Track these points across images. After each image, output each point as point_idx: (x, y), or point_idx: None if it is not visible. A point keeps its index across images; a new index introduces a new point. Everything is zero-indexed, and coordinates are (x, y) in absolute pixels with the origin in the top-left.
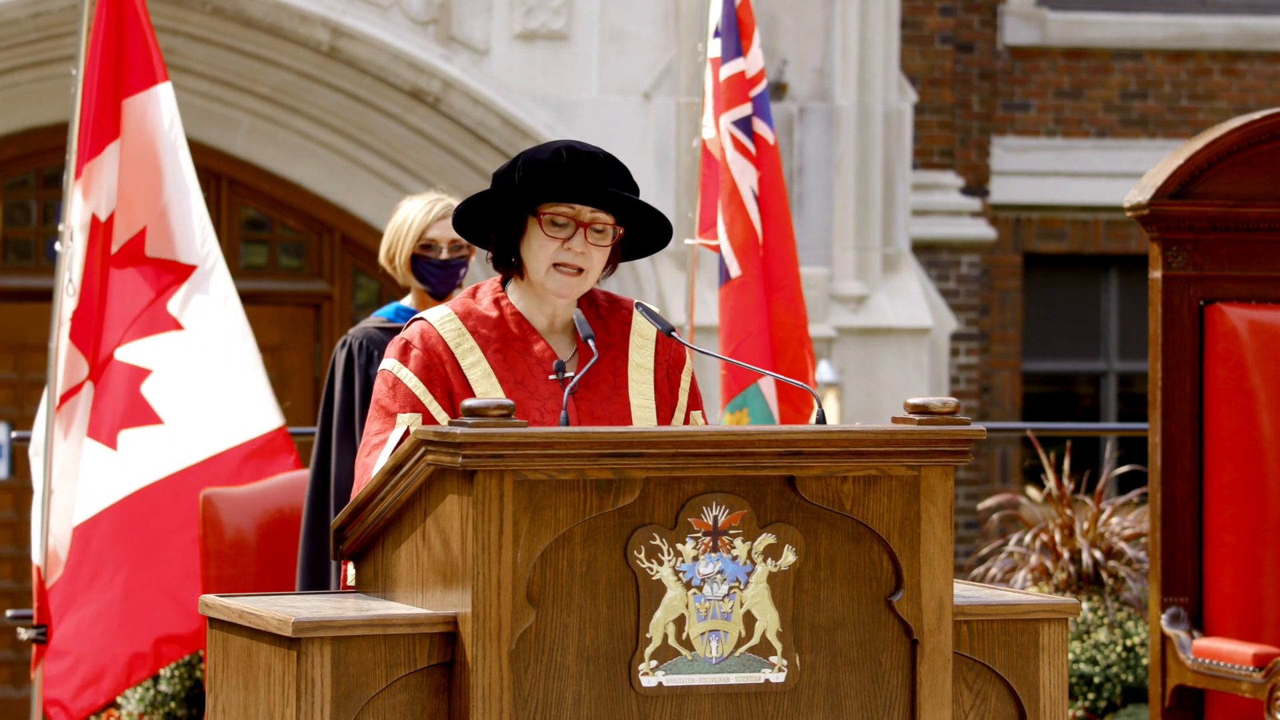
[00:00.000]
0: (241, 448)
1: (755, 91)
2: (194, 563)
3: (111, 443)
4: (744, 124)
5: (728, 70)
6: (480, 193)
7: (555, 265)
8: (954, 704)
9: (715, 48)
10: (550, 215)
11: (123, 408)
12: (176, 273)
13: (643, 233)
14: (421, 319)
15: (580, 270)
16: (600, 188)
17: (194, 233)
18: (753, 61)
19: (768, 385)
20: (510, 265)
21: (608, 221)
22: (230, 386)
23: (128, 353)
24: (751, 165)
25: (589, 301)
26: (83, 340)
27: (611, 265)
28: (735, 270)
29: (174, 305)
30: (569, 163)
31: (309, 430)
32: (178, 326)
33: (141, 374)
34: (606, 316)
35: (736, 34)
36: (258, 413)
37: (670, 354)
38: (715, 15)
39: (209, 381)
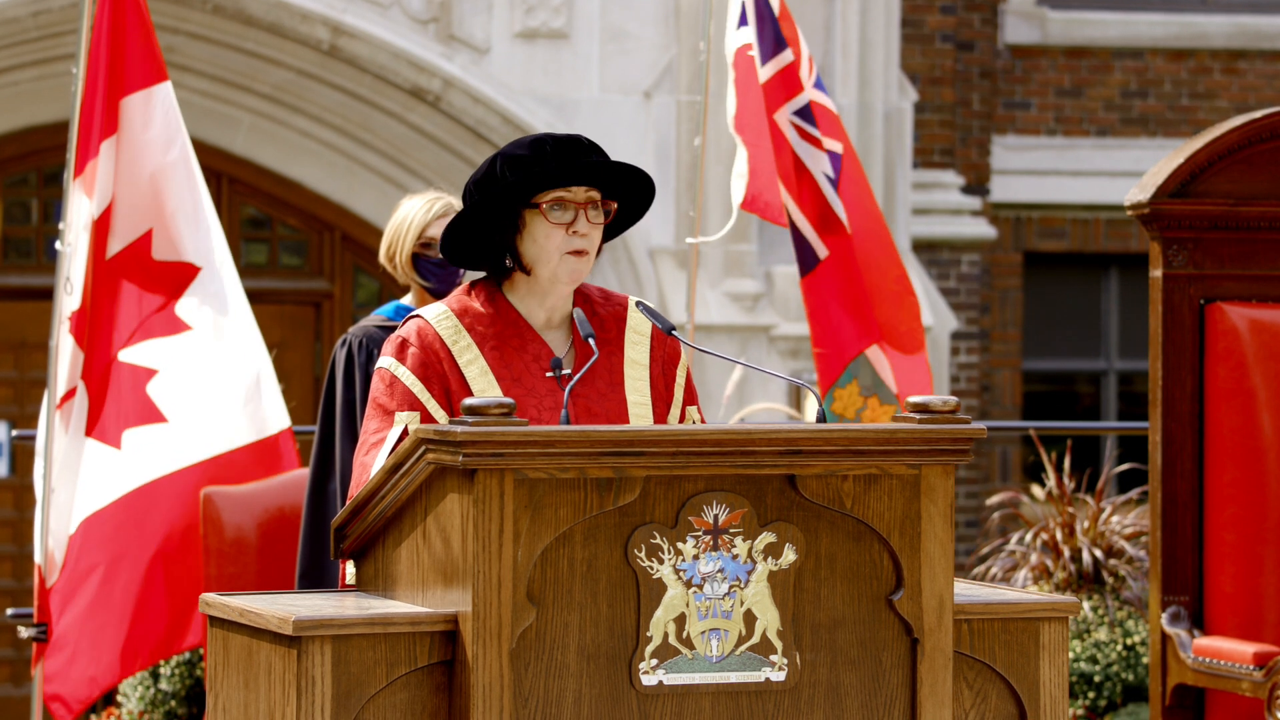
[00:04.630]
0: (247, 448)
1: (814, 79)
2: (193, 559)
3: (115, 442)
4: (804, 112)
5: (773, 67)
6: (473, 205)
7: (564, 253)
8: (954, 703)
9: (740, 37)
10: (550, 203)
11: (128, 408)
12: (184, 275)
13: (628, 202)
14: (418, 316)
15: (585, 252)
16: (598, 160)
17: (200, 233)
18: (804, 51)
19: (875, 354)
20: (504, 270)
21: (599, 197)
22: (237, 386)
23: (132, 354)
24: (820, 150)
25: (583, 298)
26: (84, 339)
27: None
28: (823, 252)
29: (182, 308)
30: (554, 150)
31: (309, 429)
32: (186, 328)
33: (147, 374)
34: (601, 313)
35: (775, 27)
36: (264, 413)
37: (665, 350)
38: (733, 12)
39: (216, 381)
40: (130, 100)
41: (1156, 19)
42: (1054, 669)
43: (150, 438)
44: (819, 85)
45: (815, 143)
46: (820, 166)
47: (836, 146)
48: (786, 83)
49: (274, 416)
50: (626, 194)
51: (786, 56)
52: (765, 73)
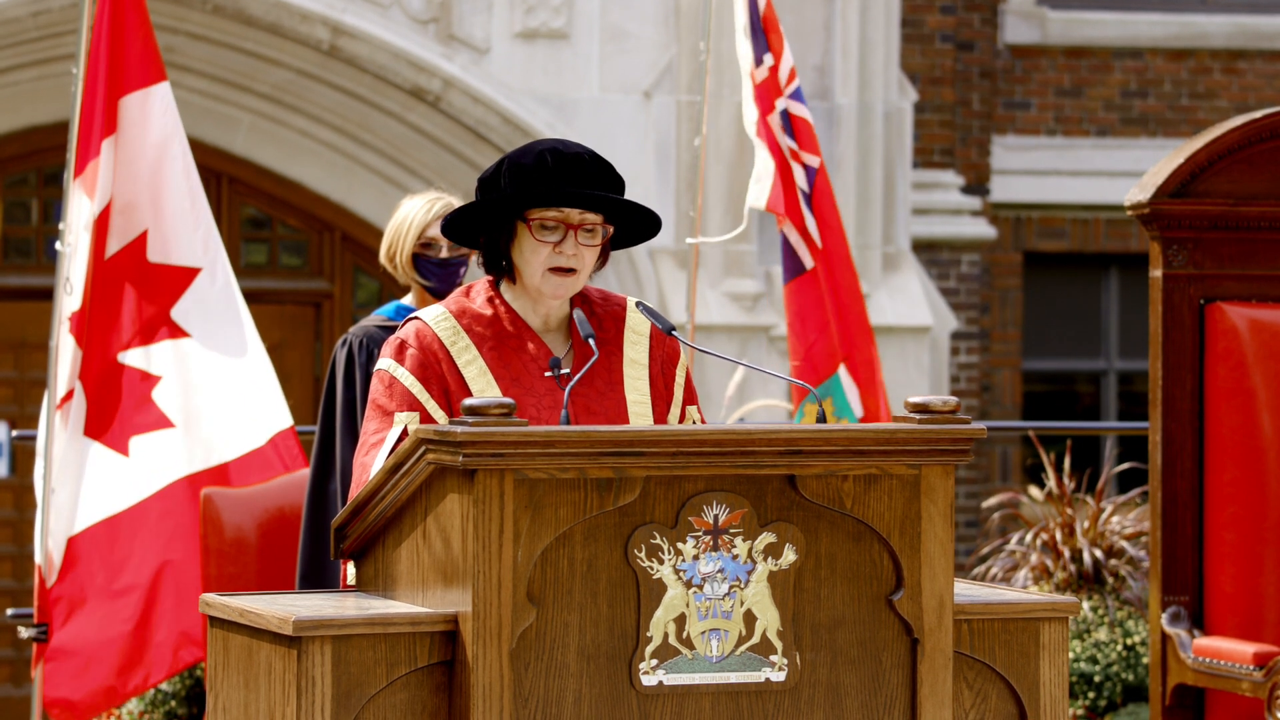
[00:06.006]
0: (256, 453)
1: (791, 89)
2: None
3: (123, 448)
4: (785, 122)
5: (762, 71)
6: (468, 204)
7: (548, 269)
8: (954, 703)
9: (746, 47)
10: (539, 220)
11: (134, 413)
12: (179, 278)
13: (632, 224)
14: (416, 318)
15: (573, 271)
16: (586, 190)
17: (198, 235)
18: (785, 60)
19: (845, 374)
20: (501, 269)
21: (596, 221)
22: (239, 392)
23: (134, 358)
24: (799, 164)
25: (582, 299)
26: (84, 340)
27: (602, 260)
28: (809, 262)
29: (179, 312)
30: (555, 166)
31: (309, 429)
32: (184, 334)
33: (151, 380)
34: (600, 314)
35: (761, 32)
36: (268, 416)
37: (664, 350)
38: (739, 14)
39: (218, 387)
40: (129, 100)
41: (1156, 19)
42: (1054, 669)
43: (158, 444)
44: (796, 96)
45: (794, 155)
46: (799, 180)
47: (813, 161)
48: (768, 89)
49: (276, 417)
50: (630, 220)
51: (768, 62)
52: (758, 75)
